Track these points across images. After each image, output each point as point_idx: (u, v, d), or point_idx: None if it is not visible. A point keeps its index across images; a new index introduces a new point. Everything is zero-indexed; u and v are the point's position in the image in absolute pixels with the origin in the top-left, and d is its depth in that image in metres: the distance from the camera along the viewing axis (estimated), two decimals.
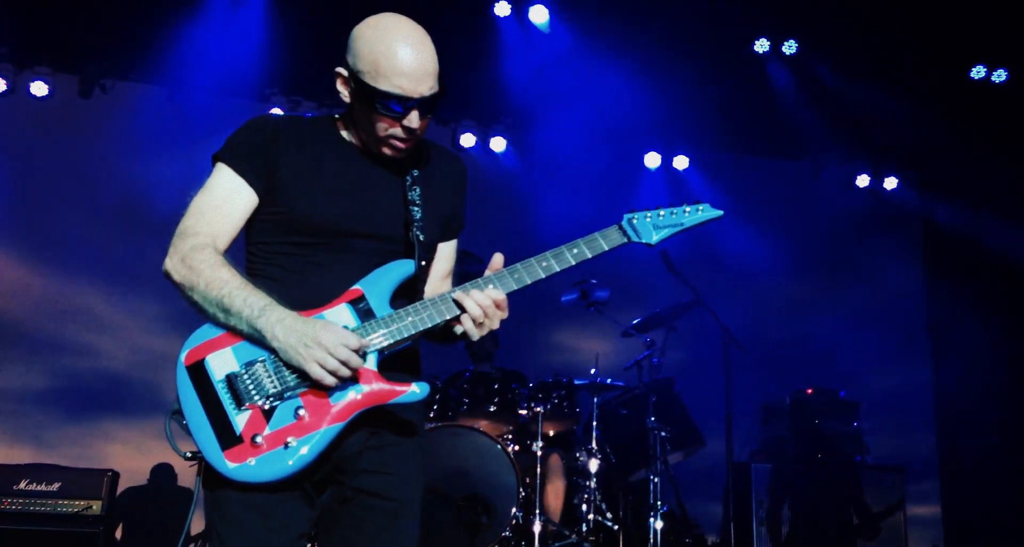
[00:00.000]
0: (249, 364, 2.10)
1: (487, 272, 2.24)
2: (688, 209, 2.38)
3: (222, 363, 2.11)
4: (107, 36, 6.85)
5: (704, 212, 2.38)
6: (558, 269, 2.24)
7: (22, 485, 5.25)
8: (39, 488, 5.27)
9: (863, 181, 8.45)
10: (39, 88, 6.99)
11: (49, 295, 7.08)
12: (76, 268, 7.16)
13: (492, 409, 5.67)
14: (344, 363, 2.04)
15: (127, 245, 7.02)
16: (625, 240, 2.32)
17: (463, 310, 2.17)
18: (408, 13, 2.25)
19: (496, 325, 2.21)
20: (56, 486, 5.27)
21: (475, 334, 2.19)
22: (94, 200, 7.22)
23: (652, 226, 2.34)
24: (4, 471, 5.34)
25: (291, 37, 6.86)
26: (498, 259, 2.25)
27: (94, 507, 5.27)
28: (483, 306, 2.16)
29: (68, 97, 7.14)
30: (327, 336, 2.04)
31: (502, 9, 6.94)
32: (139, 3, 6.64)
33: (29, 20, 6.71)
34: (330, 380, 2.05)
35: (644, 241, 2.34)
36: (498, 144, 7.91)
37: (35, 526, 5.17)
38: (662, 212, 2.36)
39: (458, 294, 2.17)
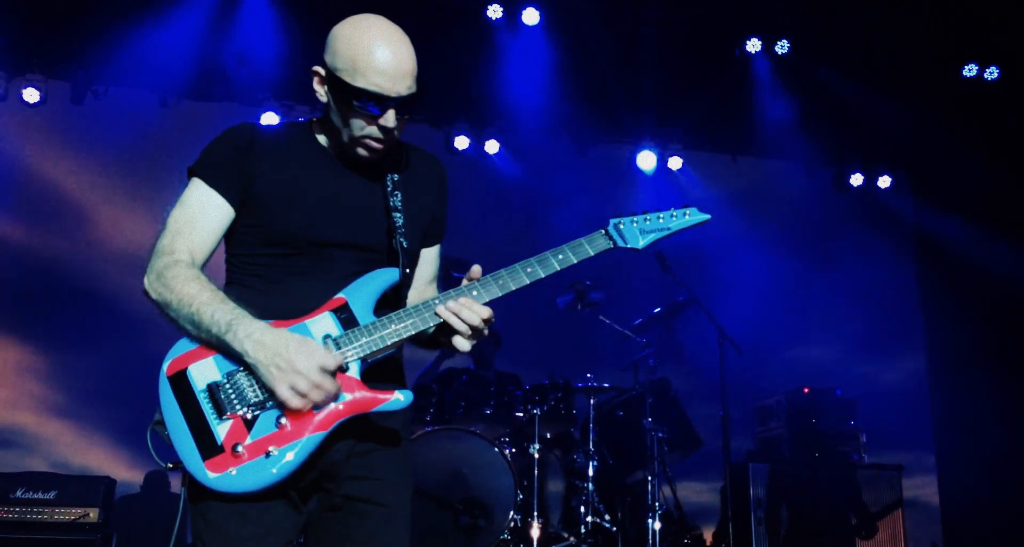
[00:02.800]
0: (231, 374, 2.08)
1: (464, 282, 2.21)
2: (675, 213, 2.35)
3: (204, 373, 2.08)
4: (99, 42, 6.83)
5: (691, 216, 2.35)
6: (543, 275, 2.22)
7: (18, 493, 5.23)
8: (35, 496, 5.25)
9: (856, 180, 8.45)
10: (31, 94, 6.98)
11: (42, 299, 7.07)
12: (69, 273, 7.14)
13: (489, 412, 5.67)
14: (318, 386, 2.01)
15: (121, 251, 7.01)
16: (611, 245, 2.30)
17: (449, 324, 2.15)
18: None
19: (484, 334, 2.19)
20: (52, 494, 5.25)
21: (465, 346, 2.18)
22: (88, 206, 7.20)
23: (639, 231, 2.31)
24: (0, 479, 5.31)
25: (283, 42, 6.87)
26: (476, 270, 2.22)
27: (91, 515, 5.26)
28: (469, 323, 2.14)
29: (60, 103, 7.13)
30: (301, 359, 1.99)
31: (495, 12, 6.94)
32: (130, 9, 6.64)
33: (20, 26, 6.71)
34: (299, 403, 2.01)
35: (630, 246, 2.31)
36: (492, 147, 7.90)
37: (32, 535, 5.14)
38: (648, 217, 2.33)
39: (440, 310, 2.15)
